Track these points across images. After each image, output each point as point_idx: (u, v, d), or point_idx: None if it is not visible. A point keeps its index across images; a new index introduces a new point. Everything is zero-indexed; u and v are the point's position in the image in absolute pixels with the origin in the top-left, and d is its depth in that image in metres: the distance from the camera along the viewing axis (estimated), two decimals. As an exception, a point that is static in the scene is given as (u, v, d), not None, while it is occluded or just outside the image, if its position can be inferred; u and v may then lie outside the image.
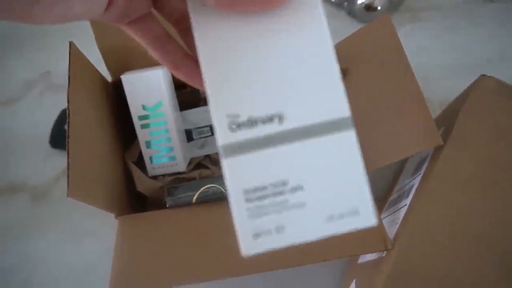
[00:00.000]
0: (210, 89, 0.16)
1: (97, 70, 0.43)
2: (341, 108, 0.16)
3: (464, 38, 0.64)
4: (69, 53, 0.37)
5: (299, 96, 0.16)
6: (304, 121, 0.16)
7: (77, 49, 0.39)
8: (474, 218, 0.34)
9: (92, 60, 0.44)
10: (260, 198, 0.16)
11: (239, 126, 0.16)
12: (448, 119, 0.42)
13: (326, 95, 0.16)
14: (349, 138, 0.16)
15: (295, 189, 0.16)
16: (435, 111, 0.57)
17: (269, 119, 0.16)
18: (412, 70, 0.38)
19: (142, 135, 0.45)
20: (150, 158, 0.45)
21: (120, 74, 0.43)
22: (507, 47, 0.63)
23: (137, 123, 0.44)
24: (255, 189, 0.16)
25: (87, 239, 0.52)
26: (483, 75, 0.41)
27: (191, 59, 0.20)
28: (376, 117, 0.41)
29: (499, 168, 0.36)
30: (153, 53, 0.20)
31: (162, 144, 0.45)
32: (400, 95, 0.39)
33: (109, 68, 0.46)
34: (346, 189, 0.16)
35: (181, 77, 0.21)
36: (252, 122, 0.16)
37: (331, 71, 0.17)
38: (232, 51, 0.17)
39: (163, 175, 0.46)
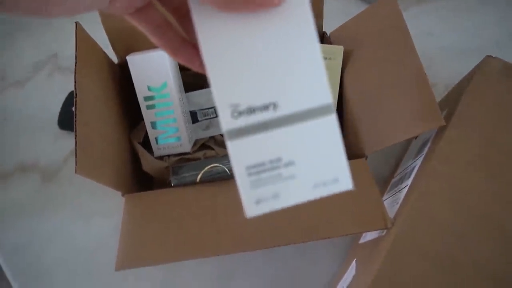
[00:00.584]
0: (214, 83, 0.19)
1: (103, 51, 0.44)
2: (324, 96, 0.20)
3: (472, 20, 0.63)
4: (76, 34, 0.38)
5: (290, 87, 0.20)
6: (294, 108, 0.20)
7: (83, 29, 0.39)
8: (475, 198, 0.35)
9: (99, 42, 0.45)
10: (259, 172, 0.20)
11: (240, 113, 0.20)
12: (452, 100, 0.42)
13: (312, 85, 0.20)
14: (331, 121, 0.20)
15: (287, 164, 0.20)
16: (441, 95, 0.57)
17: (265, 107, 0.20)
18: (416, 50, 0.38)
19: (147, 115, 0.45)
20: (156, 139, 0.46)
21: (126, 56, 0.44)
22: (516, 29, 0.62)
23: (142, 104, 0.45)
24: (255, 165, 0.20)
25: (96, 218, 0.53)
26: (489, 56, 0.41)
27: (190, 45, 0.22)
28: (379, 99, 0.41)
29: (501, 149, 0.36)
30: (154, 40, 0.22)
31: (168, 125, 0.45)
32: (403, 76, 0.39)
33: (115, 49, 0.47)
34: (328, 163, 0.20)
35: (181, 61, 0.22)
36: (251, 110, 0.20)
37: (316, 65, 0.20)
38: (231, 46, 0.19)
39: (168, 156, 0.47)
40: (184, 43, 0.22)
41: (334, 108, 0.20)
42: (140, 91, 0.44)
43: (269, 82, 0.20)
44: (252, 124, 0.20)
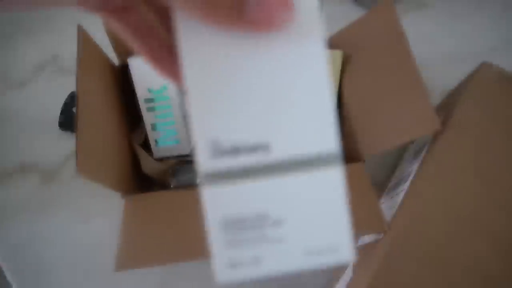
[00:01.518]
0: (194, 112, 0.16)
1: (105, 54, 0.45)
2: (329, 142, 0.16)
3: (470, 25, 0.64)
4: (78, 36, 0.38)
5: (287, 126, 0.16)
6: (290, 153, 0.16)
7: (85, 31, 0.40)
8: (469, 203, 0.35)
9: (100, 44, 0.45)
10: (239, 230, 0.16)
11: (222, 153, 0.16)
12: (448, 105, 0.42)
13: (316, 128, 0.16)
14: (335, 175, 0.16)
15: (275, 223, 0.16)
16: (438, 100, 0.57)
17: (254, 149, 0.16)
18: (412, 56, 0.39)
19: (148, 117, 0.46)
20: (156, 141, 0.46)
21: (127, 58, 0.44)
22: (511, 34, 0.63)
23: (143, 106, 0.45)
24: (235, 221, 0.16)
25: (95, 218, 0.53)
26: (484, 63, 0.41)
27: (172, 54, 0.19)
28: (376, 103, 0.41)
29: (497, 154, 0.37)
30: (134, 46, 0.19)
31: (167, 127, 0.46)
32: (400, 81, 0.39)
33: (116, 51, 0.47)
34: (327, 226, 0.16)
35: (164, 74, 0.19)
36: (236, 150, 0.16)
37: (324, 103, 0.16)
38: (219, 67, 0.16)
39: (168, 158, 0.47)
40: (170, 53, 0.19)
41: (340, 160, 0.16)
42: (141, 94, 0.45)
43: (262, 117, 0.16)
44: (235, 168, 0.16)
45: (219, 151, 0.16)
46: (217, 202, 0.16)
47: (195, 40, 0.16)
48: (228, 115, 0.16)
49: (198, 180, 0.40)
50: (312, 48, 0.16)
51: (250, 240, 0.16)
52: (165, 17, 0.19)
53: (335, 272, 0.48)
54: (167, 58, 0.19)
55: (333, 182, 0.16)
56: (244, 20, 0.14)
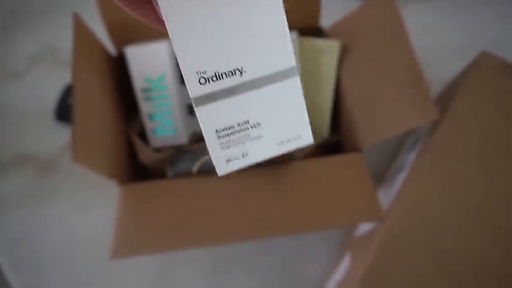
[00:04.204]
0: (178, 50, 0.19)
1: (101, 43, 0.44)
2: (288, 60, 0.21)
3: (471, 17, 0.64)
4: (73, 25, 0.38)
5: (255, 52, 0.20)
6: (260, 72, 0.21)
7: (81, 20, 0.39)
8: (468, 191, 0.35)
9: (96, 33, 0.45)
10: (228, 135, 0.21)
11: (207, 80, 0.20)
12: (448, 96, 0.42)
13: (277, 50, 0.20)
14: (294, 83, 0.21)
15: (254, 125, 0.22)
16: (438, 92, 0.57)
17: (232, 73, 0.20)
18: (411, 46, 0.38)
19: (145, 107, 0.45)
20: (153, 130, 0.46)
21: (124, 47, 0.44)
22: (513, 27, 0.63)
23: (140, 95, 0.45)
24: (224, 129, 0.21)
25: (93, 210, 0.53)
26: (484, 52, 0.41)
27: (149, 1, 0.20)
28: (375, 93, 0.41)
29: (495, 143, 0.37)
30: None
31: (164, 116, 0.46)
32: (398, 71, 0.39)
33: (113, 41, 0.47)
34: (291, 121, 0.22)
35: (138, 15, 0.21)
36: (218, 77, 0.20)
37: (281, 30, 0.20)
38: (195, 13, 0.19)
39: (165, 147, 0.47)
40: (147, 1, 0.20)
41: (298, 70, 0.21)
42: (138, 83, 0.44)
43: (235, 48, 0.20)
44: (219, 90, 0.20)
45: (204, 79, 0.20)
46: (209, 118, 0.21)
47: None
48: (207, 49, 0.20)
49: (194, 169, 0.40)
50: None
51: (238, 141, 0.21)
52: None
53: (332, 262, 0.48)
54: (145, 5, 0.20)
55: (293, 88, 0.21)
56: None
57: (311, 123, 0.48)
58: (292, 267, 0.48)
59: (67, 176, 0.56)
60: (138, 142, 0.45)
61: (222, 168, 0.22)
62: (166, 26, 0.19)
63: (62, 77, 0.63)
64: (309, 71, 0.46)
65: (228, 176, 0.40)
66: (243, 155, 0.22)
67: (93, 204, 0.54)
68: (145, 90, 0.45)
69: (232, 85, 0.21)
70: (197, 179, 0.40)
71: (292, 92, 0.21)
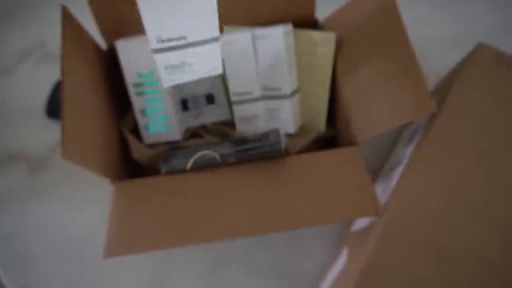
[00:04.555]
0: (147, 23, 0.33)
1: (90, 36, 0.43)
2: (214, 32, 0.35)
3: (466, 9, 0.63)
4: (62, 18, 0.37)
5: (194, 26, 0.34)
6: (196, 38, 0.35)
7: (70, 13, 0.38)
8: (466, 185, 0.35)
9: (86, 27, 0.43)
10: (172, 68, 0.36)
11: (163, 41, 0.34)
12: (444, 88, 0.42)
13: (208, 25, 0.34)
14: (216, 45, 0.36)
15: (189, 64, 0.36)
16: (433, 84, 0.57)
17: (179, 38, 0.34)
18: (408, 37, 0.38)
19: (137, 102, 0.44)
20: (146, 126, 0.45)
21: (115, 41, 0.43)
22: (511, 18, 0.62)
23: (132, 90, 0.44)
24: (170, 66, 0.36)
25: (86, 207, 0.52)
26: (481, 44, 0.40)
27: None
28: (371, 86, 0.41)
29: (492, 136, 0.36)
30: None
31: (157, 112, 0.45)
32: (395, 63, 0.39)
33: (103, 34, 0.45)
34: (212, 65, 0.37)
35: None
36: (170, 40, 0.34)
37: (212, 12, 0.33)
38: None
39: (159, 143, 0.46)
40: None
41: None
42: (129, 78, 0.43)
43: (183, 23, 0.33)
44: (170, 46, 0.34)
45: (161, 40, 0.34)
46: (162, 60, 0.35)
47: None
48: (164, 21, 0.33)
49: (188, 165, 0.40)
50: None
51: (178, 71, 0.36)
52: None
53: (329, 258, 0.47)
54: None
55: (216, 48, 0.36)
56: None
57: (307, 117, 0.48)
58: (289, 262, 0.48)
59: (60, 173, 0.55)
60: (130, 138, 0.44)
61: (166, 81, 0.37)
62: (138, 3, 0.31)
63: (52, 72, 0.61)
64: (305, 64, 0.45)
65: (223, 172, 0.39)
66: (180, 78, 0.37)
67: (87, 201, 0.53)
68: (137, 85, 0.44)
69: (178, 44, 0.34)
70: (191, 175, 0.39)
71: (213, 52, 0.36)
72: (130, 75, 0.43)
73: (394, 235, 0.34)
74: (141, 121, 0.45)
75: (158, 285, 0.47)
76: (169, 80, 0.36)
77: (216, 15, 0.33)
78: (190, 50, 0.35)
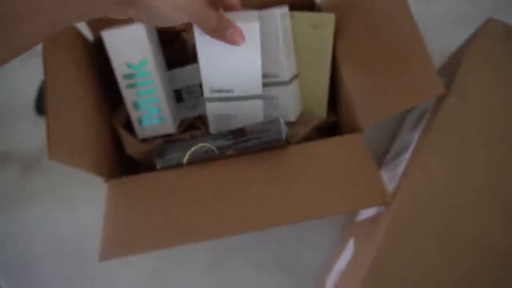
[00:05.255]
0: (203, 72, 0.38)
1: (76, 27, 0.40)
2: (258, 89, 0.38)
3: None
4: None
5: (240, 82, 0.38)
6: (241, 93, 0.38)
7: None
8: (475, 170, 0.33)
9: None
10: (220, 119, 0.40)
11: (214, 91, 0.39)
12: (451, 68, 0.39)
13: (252, 83, 0.38)
14: (259, 102, 0.39)
15: (234, 118, 0.40)
16: (437, 63, 0.55)
17: (226, 91, 0.38)
18: (412, 16, 0.35)
19: (128, 95, 0.42)
20: (139, 120, 0.43)
21: (100, 32, 0.40)
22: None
23: (122, 82, 0.42)
24: (219, 115, 0.40)
25: (82, 207, 0.51)
26: (490, 19, 0.38)
27: None
28: (375, 68, 0.38)
29: (503, 119, 0.34)
30: None
31: (150, 104, 0.43)
32: (399, 43, 0.36)
33: (89, 24, 0.43)
34: (253, 119, 0.40)
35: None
36: (220, 91, 0.39)
37: (257, 71, 0.37)
38: (214, 53, 0.36)
39: (153, 137, 0.44)
40: None
41: (262, 94, 0.39)
42: (119, 69, 0.41)
43: (231, 78, 0.38)
44: (219, 97, 0.39)
45: (213, 90, 0.39)
46: (212, 108, 0.40)
47: (205, 42, 0.36)
48: (216, 75, 0.38)
49: (185, 160, 0.38)
50: (250, 50, 0.36)
51: (224, 122, 0.40)
52: None
53: (335, 249, 0.46)
54: None
55: (259, 105, 0.39)
56: (226, 38, 0.33)
57: (307, 103, 0.45)
58: (293, 255, 0.47)
59: (53, 172, 0.53)
60: (123, 133, 0.42)
61: (213, 128, 0.41)
62: (198, 56, 0.37)
63: (40, 68, 0.59)
64: (303, 48, 0.43)
65: (222, 165, 0.37)
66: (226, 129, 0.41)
67: (83, 201, 0.51)
68: (127, 76, 0.41)
69: (226, 96, 0.39)
70: (188, 169, 0.37)
71: (257, 108, 0.39)
72: (119, 66, 0.41)
73: (403, 225, 0.32)
74: (133, 114, 0.43)
75: (159, 282, 0.46)
76: (216, 128, 0.40)
77: (260, 76, 0.37)
78: (236, 103, 0.39)
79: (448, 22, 0.58)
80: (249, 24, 0.35)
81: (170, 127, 0.43)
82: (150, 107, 0.43)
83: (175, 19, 0.28)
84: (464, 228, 0.32)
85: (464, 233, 0.32)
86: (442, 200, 0.32)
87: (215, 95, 0.38)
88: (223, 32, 0.32)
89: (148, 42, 0.40)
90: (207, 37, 0.34)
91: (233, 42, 0.33)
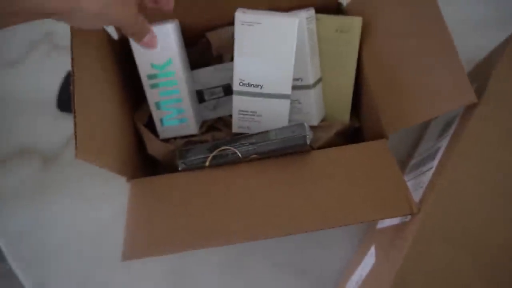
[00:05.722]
0: (236, 66, 0.39)
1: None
2: (287, 89, 0.39)
3: (496, -10, 0.59)
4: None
5: (271, 79, 0.38)
6: (271, 90, 0.39)
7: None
8: (508, 179, 0.32)
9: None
10: (244, 115, 0.41)
11: (243, 84, 0.39)
12: (482, 74, 0.38)
13: (283, 81, 0.38)
14: (286, 103, 0.39)
15: (258, 115, 0.40)
16: (466, 70, 0.53)
17: (257, 86, 0.39)
18: (443, 19, 0.35)
19: (151, 95, 0.42)
20: (161, 120, 0.43)
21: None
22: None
23: (146, 82, 0.42)
24: (243, 111, 0.40)
25: (99, 203, 0.51)
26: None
27: None
28: (402, 74, 0.38)
29: (538, 127, 0.33)
30: None
31: (173, 105, 0.42)
32: (428, 48, 0.36)
33: (114, 24, 0.43)
34: (279, 120, 0.41)
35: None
36: (249, 84, 0.39)
37: (289, 70, 0.38)
38: (250, 51, 0.38)
39: (175, 138, 0.44)
40: None
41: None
42: (143, 69, 0.41)
43: (262, 74, 0.38)
44: (247, 91, 0.39)
45: (242, 83, 0.39)
46: (237, 102, 0.40)
47: (244, 34, 0.38)
48: (249, 69, 0.38)
49: (207, 163, 0.37)
50: (286, 48, 0.37)
51: (247, 120, 0.40)
52: None
53: (354, 256, 0.45)
54: None
55: (286, 105, 0.39)
56: (143, 42, 0.35)
57: (330, 107, 0.45)
58: (311, 258, 0.46)
59: (72, 168, 0.54)
60: (145, 133, 0.42)
61: (235, 130, 0.41)
62: (235, 46, 0.38)
63: (62, 64, 0.59)
64: (328, 51, 0.42)
65: (244, 169, 0.37)
66: (248, 127, 0.41)
67: (100, 197, 0.52)
68: (152, 76, 0.41)
69: (254, 91, 0.39)
70: (210, 172, 0.37)
71: (284, 108, 0.39)
72: (143, 66, 0.41)
73: (431, 235, 0.31)
74: (156, 114, 0.43)
75: (177, 280, 0.46)
76: (238, 125, 0.40)
77: (292, 75, 0.37)
78: (264, 100, 0.39)
79: (471, 28, 0.57)
80: (288, 19, 0.35)
81: (192, 128, 0.43)
82: (172, 107, 0.43)
83: (100, 25, 0.29)
84: (495, 240, 0.31)
85: (494, 245, 0.31)
86: (472, 211, 0.32)
87: (244, 88, 0.38)
88: (141, 37, 0.33)
89: (174, 42, 0.40)
90: (248, 28, 0.36)
91: (147, 45, 0.34)
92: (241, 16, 0.37)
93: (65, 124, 0.56)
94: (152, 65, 0.41)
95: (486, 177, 0.32)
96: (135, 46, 0.40)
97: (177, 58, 0.40)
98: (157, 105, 0.43)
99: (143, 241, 0.33)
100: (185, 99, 0.42)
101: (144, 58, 0.41)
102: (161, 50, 0.40)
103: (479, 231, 0.31)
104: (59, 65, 0.59)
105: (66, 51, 0.61)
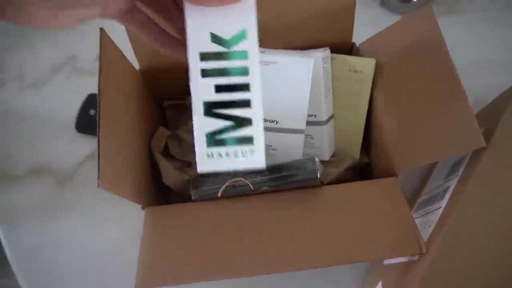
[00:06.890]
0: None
1: (126, 58, 0.43)
2: (302, 124, 0.40)
3: (502, 33, 0.61)
4: (100, 41, 0.36)
5: (286, 115, 0.40)
6: (286, 126, 0.41)
7: (108, 36, 0.38)
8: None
9: (120, 47, 0.43)
10: (266, 149, 0.42)
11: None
12: (491, 117, 0.40)
13: (297, 117, 0.40)
14: (301, 137, 0.40)
15: (273, 149, 0.43)
16: (475, 112, 0.55)
17: (272, 121, 0.41)
18: (453, 63, 0.36)
19: (200, 89, 0.25)
20: (209, 136, 0.26)
21: (149, 62, 0.42)
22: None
23: (195, 67, 0.24)
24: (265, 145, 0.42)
25: (108, 224, 0.52)
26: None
27: (173, 37, 0.27)
28: (413, 115, 0.39)
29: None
30: (143, 37, 0.26)
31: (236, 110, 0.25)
32: (438, 91, 0.37)
33: (137, 55, 0.45)
34: (293, 153, 0.42)
35: (169, 52, 0.27)
36: (265, 120, 0.40)
37: (304, 106, 0.40)
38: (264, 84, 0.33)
39: (189, 167, 0.45)
40: (169, 36, 0.27)
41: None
42: (196, 44, 0.24)
43: (278, 109, 0.40)
44: (264, 127, 0.32)
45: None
46: None
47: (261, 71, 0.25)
48: (264, 105, 0.27)
49: (219, 194, 0.38)
50: (301, 85, 0.39)
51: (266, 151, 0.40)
52: (161, 11, 0.26)
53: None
54: (170, 42, 0.27)
55: (300, 139, 0.41)
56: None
57: (341, 143, 0.46)
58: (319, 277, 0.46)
59: (84, 189, 0.55)
60: (162, 162, 0.43)
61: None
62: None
63: (83, 87, 0.61)
64: (341, 90, 0.44)
65: (255, 201, 0.38)
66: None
67: (110, 219, 0.52)
68: (208, 56, 0.25)
69: (270, 126, 0.40)
70: (223, 203, 0.38)
71: (299, 142, 0.40)
72: (197, 40, 0.24)
73: (439, 275, 0.32)
74: (200, 123, 0.25)
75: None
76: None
77: (306, 111, 0.39)
78: (279, 135, 0.40)
79: (481, 69, 0.58)
80: (303, 59, 0.38)
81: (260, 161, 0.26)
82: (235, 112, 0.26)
83: None
84: (506, 285, 0.31)
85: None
86: (480, 254, 0.32)
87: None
88: None
89: (252, 9, 0.24)
90: (264, 67, 0.38)
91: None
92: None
93: (81, 145, 0.58)
94: (213, 38, 0.24)
95: (494, 221, 0.33)
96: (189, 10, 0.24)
97: (253, 32, 0.24)
98: (206, 105, 0.25)
99: (157, 270, 0.34)
100: (256, 100, 0.25)
101: (201, 26, 0.24)
102: (230, 17, 0.24)
103: (488, 274, 0.32)
104: (80, 87, 0.61)
105: (87, 74, 0.63)
